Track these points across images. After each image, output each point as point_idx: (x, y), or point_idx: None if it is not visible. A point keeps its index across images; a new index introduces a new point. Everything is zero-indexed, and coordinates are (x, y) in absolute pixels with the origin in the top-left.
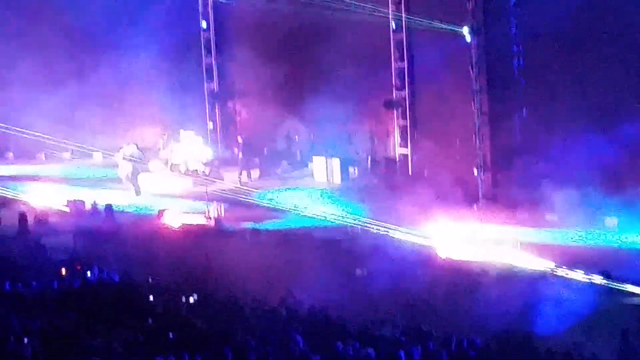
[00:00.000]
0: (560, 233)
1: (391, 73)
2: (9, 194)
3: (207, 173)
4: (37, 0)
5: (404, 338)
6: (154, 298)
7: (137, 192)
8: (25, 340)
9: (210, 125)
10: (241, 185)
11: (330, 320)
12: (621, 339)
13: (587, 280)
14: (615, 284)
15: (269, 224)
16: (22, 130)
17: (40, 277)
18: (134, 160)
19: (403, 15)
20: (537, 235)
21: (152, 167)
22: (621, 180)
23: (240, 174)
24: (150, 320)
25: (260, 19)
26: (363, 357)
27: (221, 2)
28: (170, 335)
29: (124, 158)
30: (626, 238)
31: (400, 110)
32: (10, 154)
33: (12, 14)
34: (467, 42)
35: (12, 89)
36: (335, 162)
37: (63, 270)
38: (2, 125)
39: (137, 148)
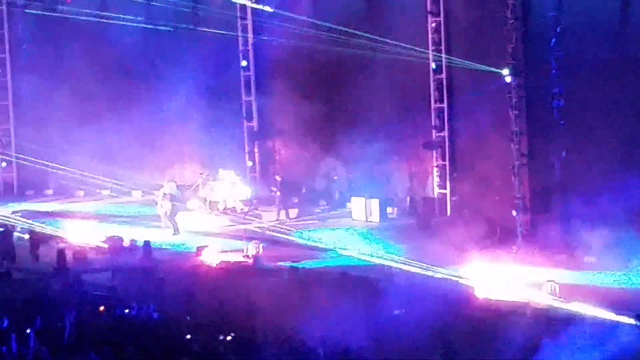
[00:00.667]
0: (598, 275)
1: (430, 113)
2: (47, 230)
3: (246, 211)
4: (78, 39)
5: None
6: (191, 336)
7: (176, 231)
8: None
9: (250, 163)
10: (279, 224)
11: None
12: None
13: (624, 323)
14: None
15: (307, 263)
16: (61, 167)
17: (78, 314)
18: (173, 199)
19: (443, 55)
20: (574, 277)
21: (190, 205)
22: None
23: (279, 212)
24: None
25: (300, 58)
26: None
27: (262, 40)
28: None
29: (163, 196)
30: None
31: (439, 150)
32: (50, 191)
33: (53, 52)
34: (507, 83)
35: (51, 126)
36: (374, 203)
37: (101, 308)
38: (42, 162)
39: (176, 186)
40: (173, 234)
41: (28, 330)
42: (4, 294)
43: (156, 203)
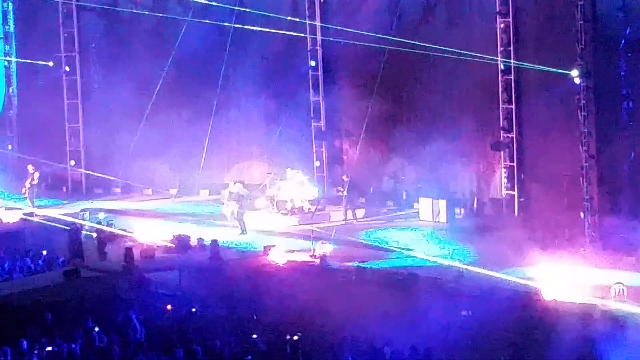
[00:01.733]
0: None
1: (499, 114)
2: (115, 229)
3: (313, 211)
4: (146, 38)
5: None
6: (257, 336)
7: (243, 230)
8: None
9: (317, 163)
10: (346, 224)
11: None
12: None
13: None
14: None
15: (374, 263)
16: (128, 166)
17: (146, 313)
18: (240, 198)
19: (512, 56)
20: None
21: (258, 204)
22: None
23: (346, 212)
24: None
25: (368, 58)
26: None
27: (330, 41)
28: None
29: (229, 196)
30: None
31: (507, 151)
32: (118, 190)
33: (121, 50)
34: (575, 84)
35: (119, 124)
36: (442, 203)
37: (169, 307)
38: (110, 161)
39: (244, 186)
40: (240, 234)
41: (97, 328)
42: (73, 292)
43: (223, 202)
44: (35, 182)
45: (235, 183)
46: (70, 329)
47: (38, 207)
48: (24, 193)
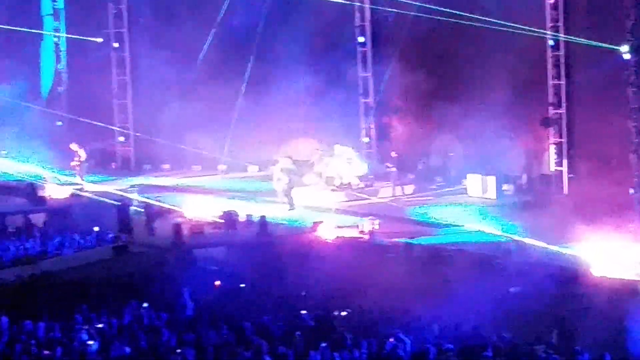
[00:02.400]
0: None
1: (548, 90)
2: (164, 204)
3: (362, 187)
4: (195, 13)
5: (557, 357)
6: (306, 311)
7: (291, 206)
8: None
9: (366, 139)
10: (395, 200)
11: (481, 337)
12: None
13: None
14: None
15: (422, 239)
16: (178, 142)
17: (194, 289)
18: (289, 174)
19: (561, 32)
20: None
21: (306, 180)
22: None
23: (394, 189)
24: (299, 334)
25: (416, 34)
26: None
27: (379, 17)
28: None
29: (279, 171)
30: None
31: (556, 127)
32: (167, 166)
33: (170, 26)
34: (625, 60)
35: (168, 100)
36: (491, 179)
37: (217, 282)
38: (159, 137)
39: (292, 162)
40: (289, 210)
41: (145, 305)
42: (122, 267)
43: (272, 178)
44: (82, 159)
45: (284, 158)
46: (119, 305)
47: (87, 183)
48: (74, 169)
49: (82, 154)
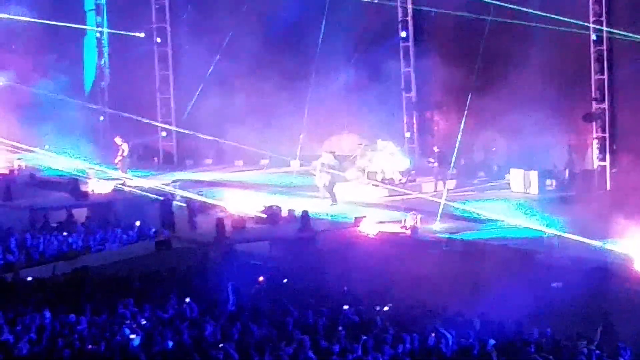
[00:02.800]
0: None
1: (590, 85)
2: (206, 199)
3: (404, 182)
4: (238, 8)
5: (599, 352)
6: (348, 306)
7: (334, 201)
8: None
9: (408, 134)
10: (437, 195)
11: (523, 333)
12: None
13: None
14: None
15: (465, 234)
16: (220, 137)
17: (237, 284)
18: (331, 169)
19: (604, 26)
20: None
21: (349, 175)
22: None
23: (437, 184)
24: (342, 329)
25: (458, 29)
26: None
27: (421, 11)
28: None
29: (321, 166)
30: None
31: (599, 122)
32: (209, 160)
33: (213, 21)
34: None
35: (210, 95)
36: (533, 174)
37: (260, 278)
38: (201, 131)
39: (335, 157)
40: (331, 205)
41: (187, 299)
42: (165, 262)
43: (314, 174)
44: (125, 153)
45: (327, 153)
46: (161, 299)
47: (130, 177)
48: (117, 164)
49: (126, 148)
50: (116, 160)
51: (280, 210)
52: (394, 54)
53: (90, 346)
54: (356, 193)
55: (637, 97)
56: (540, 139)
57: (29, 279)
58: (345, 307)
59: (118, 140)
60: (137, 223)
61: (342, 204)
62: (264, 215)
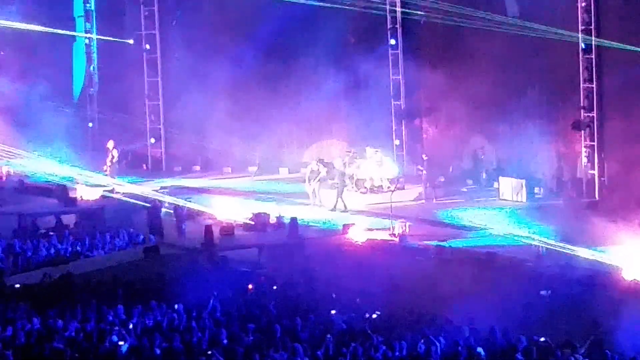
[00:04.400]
0: None
1: (579, 93)
2: (195, 206)
3: (392, 190)
4: (227, 15)
5: None
6: (336, 313)
7: (345, 208)
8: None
9: (397, 142)
10: (426, 202)
11: (511, 341)
12: None
13: None
14: None
15: (453, 242)
16: (209, 143)
17: (225, 291)
18: (320, 176)
19: (593, 36)
20: None
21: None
22: None
23: (425, 191)
24: (330, 336)
25: (448, 38)
26: None
27: (410, 19)
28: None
29: (310, 173)
30: None
31: (588, 131)
32: (198, 167)
33: (202, 28)
34: None
35: (199, 102)
36: (521, 183)
37: (250, 286)
38: (189, 138)
39: (323, 164)
40: (342, 211)
41: (176, 306)
42: (153, 269)
43: (303, 180)
44: (115, 159)
45: (315, 161)
46: (150, 306)
47: (118, 184)
48: (105, 170)
49: (115, 155)
50: (105, 167)
51: (269, 217)
52: (383, 61)
53: (77, 353)
54: (345, 200)
55: (625, 106)
56: (529, 147)
57: (17, 285)
58: (333, 312)
59: (110, 144)
60: (128, 230)
61: (329, 211)
62: (252, 222)
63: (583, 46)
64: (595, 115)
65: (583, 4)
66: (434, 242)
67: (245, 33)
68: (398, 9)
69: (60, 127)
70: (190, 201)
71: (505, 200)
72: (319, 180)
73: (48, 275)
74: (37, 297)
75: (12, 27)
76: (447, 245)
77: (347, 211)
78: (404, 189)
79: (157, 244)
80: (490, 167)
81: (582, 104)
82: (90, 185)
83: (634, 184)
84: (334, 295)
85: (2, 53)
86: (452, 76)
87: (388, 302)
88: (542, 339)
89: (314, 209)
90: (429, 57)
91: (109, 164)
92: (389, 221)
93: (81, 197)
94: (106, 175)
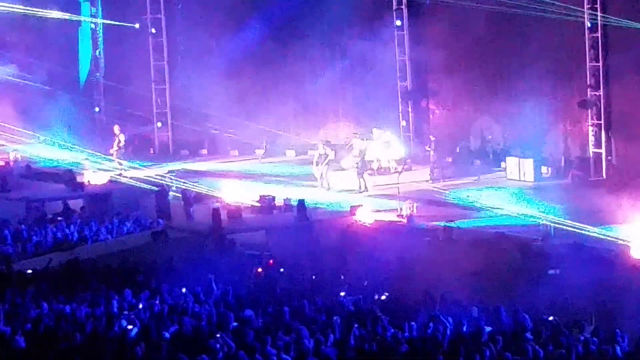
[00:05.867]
0: None
1: (586, 72)
2: (202, 189)
3: (400, 171)
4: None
5: (596, 339)
6: (345, 295)
7: (365, 189)
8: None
9: (404, 123)
10: (433, 183)
11: (519, 320)
12: None
13: None
14: None
15: (461, 223)
16: (216, 127)
17: (233, 273)
18: (327, 158)
19: (599, 14)
20: None
21: (344, 164)
22: None
23: (433, 172)
24: (338, 319)
25: (454, 18)
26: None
27: (415, 0)
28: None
29: (318, 157)
30: None
31: (594, 109)
32: (205, 151)
33: (208, 11)
34: None
35: (208, 85)
36: (529, 162)
37: (259, 269)
38: (196, 122)
39: (330, 146)
40: (361, 192)
41: (184, 289)
42: (161, 253)
43: (310, 162)
44: (122, 143)
45: (322, 142)
46: (158, 290)
47: (125, 169)
48: (112, 155)
49: (122, 139)
50: (111, 150)
51: (275, 200)
52: (389, 42)
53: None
54: (352, 182)
55: (632, 84)
56: (536, 126)
57: (29, 271)
58: (342, 293)
59: (116, 129)
60: (135, 213)
61: (334, 192)
62: (260, 205)
63: (589, 24)
64: (602, 93)
65: None
66: (442, 223)
67: (252, 15)
68: None
69: (66, 112)
70: (197, 185)
71: (512, 179)
72: (327, 163)
73: (52, 261)
74: (45, 282)
75: (18, 11)
76: (455, 225)
77: (364, 191)
78: (411, 170)
79: (165, 227)
80: (498, 147)
81: (588, 83)
82: (98, 170)
83: None
84: (342, 277)
85: (7, 39)
86: (458, 56)
87: (397, 283)
88: (551, 318)
89: (321, 191)
90: (435, 38)
91: (115, 149)
92: (397, 202)
93: (89, 181)
94: (113, 159)
